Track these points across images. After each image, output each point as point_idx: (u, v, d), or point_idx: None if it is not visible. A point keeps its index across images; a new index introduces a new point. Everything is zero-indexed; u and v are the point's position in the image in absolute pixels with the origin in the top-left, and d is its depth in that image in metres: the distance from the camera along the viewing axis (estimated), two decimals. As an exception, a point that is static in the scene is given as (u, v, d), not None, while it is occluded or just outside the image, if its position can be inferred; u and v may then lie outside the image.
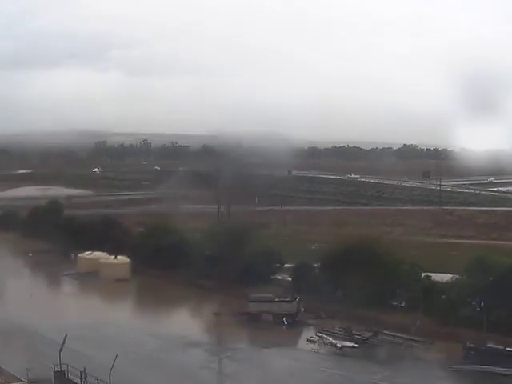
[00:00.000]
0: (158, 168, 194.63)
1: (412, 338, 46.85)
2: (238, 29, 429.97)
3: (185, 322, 54.63)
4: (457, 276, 50.94)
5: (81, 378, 33.54)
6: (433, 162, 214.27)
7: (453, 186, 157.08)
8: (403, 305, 53.15)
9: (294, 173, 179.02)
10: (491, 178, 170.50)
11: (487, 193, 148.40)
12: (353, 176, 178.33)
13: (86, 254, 72.51)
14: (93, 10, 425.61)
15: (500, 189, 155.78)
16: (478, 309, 48.35)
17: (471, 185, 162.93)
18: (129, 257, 69.64)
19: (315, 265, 60.07)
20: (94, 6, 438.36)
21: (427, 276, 53.45)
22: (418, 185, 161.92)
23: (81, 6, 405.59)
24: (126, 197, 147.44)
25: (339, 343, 46.16)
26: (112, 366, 31.45)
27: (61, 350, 33.97)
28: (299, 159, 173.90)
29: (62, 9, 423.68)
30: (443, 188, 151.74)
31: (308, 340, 48.18)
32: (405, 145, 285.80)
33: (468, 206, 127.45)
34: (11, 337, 45.01)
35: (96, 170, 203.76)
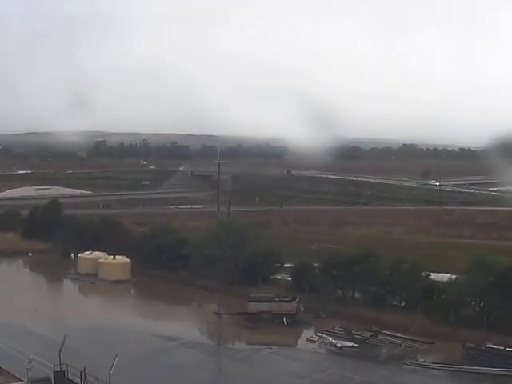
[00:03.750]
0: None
1: (412, 337, 46.83)
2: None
3: (185, 322, 54.68)
4: (457, 276, 50.96)
5: (81, 378, 33.51)
6: (433, 161, 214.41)
7: (453, 185, 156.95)
8: (403, 305, 53.14)
9: (294, 172, 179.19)
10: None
11: (487, 193, 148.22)
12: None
13: (86, 253, 72.43)
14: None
15: (500, 189, 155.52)
16: (478, 309, 48.46)
17: (471, 184, 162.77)
18: (129, 257, 69.57)
19: (315, 265, 60.02)
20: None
21: (427, 276, 53.40)
22: (418, 185, 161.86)
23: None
24: (126, 197, 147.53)
25: (339, 343, 46.18)
26: (112, 366, 31.39)
27: (61, 350, 33.92)
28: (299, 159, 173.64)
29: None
30: (443, 188, 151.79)
31: (308, 340, 48.15)
32: (405, 144, 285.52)
33: (468, 205, 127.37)
34: (10, 337, 45.14)
35: None
